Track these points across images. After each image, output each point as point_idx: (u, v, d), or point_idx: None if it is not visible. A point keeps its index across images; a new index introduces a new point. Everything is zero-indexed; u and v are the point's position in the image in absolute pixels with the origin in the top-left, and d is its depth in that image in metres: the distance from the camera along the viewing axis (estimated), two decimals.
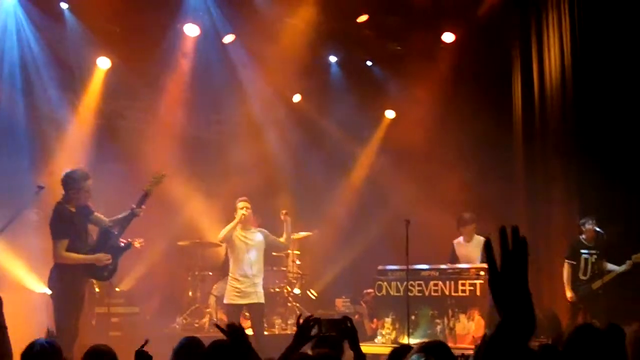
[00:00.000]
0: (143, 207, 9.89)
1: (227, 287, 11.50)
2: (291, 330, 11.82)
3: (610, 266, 12.47)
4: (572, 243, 12.87)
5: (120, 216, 9.87)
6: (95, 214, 9.77)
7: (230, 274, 11.47)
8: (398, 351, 5.18)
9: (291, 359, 4.63)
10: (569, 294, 12.59)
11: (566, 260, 12.74)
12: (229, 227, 11.38)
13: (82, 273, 9.46)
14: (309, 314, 5.17)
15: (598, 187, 13.40)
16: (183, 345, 5.21)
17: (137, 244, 10.46)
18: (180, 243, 13.75)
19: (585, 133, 14.01)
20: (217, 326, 4.91)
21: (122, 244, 9.83)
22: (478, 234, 12.80)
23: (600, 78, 13.92)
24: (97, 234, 9.75)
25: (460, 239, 12.95)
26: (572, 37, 14.32)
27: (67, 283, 9.17)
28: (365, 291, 13.96)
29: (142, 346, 4.69)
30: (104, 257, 9.54)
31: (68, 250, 9.32)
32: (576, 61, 14.28)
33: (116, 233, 9.76)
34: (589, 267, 12.54)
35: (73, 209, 9.48)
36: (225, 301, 11.50)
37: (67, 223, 9.39)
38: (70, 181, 9.48)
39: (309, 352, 5.19)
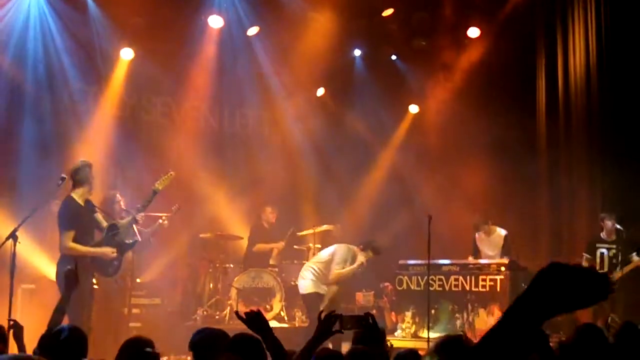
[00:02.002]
0: (143, 214, 10.04)
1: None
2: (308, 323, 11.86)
3: (635, 258, 12.31)
4: (591, 238, 12.82)
5: (123, 221, 9.98)
6: (98, 214, 9.88)
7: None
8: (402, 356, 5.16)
9: (316, 354, 4.63)
10: None
11: (583, 254, 12.68)
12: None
13: (88, 267, 9.49)
14: (332, 309, 5.13)
15: (622, 186, 13.32)
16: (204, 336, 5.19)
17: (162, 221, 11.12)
18: (202, 235, 13.78)
19: (609, 130, 13.92)
20: (237, 314, 4.92)
21: (128, 242, 9.94)
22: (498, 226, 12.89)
23: (625, 75, 13.82)
24: (105, 229, 9.83)
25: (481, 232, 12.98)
26: (598, 33, 14.21)
27: None
28: (382, 285, 13.96)
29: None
30: (109, 251, 9.63)
31: (74, 242, 9.43)
32: (601, 58, 14.18)
33: (121, 229, 9.85)
34: (606, 261, 12.43)
35: (82, 203, 9.60)
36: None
37: (75, 215, 9.50)
38: (74, 173, 9.63)
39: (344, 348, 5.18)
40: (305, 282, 11.66)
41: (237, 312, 5.03)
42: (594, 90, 14.23)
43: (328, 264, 11.58)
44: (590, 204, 14.07)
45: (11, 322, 6.22)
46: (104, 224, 9.85)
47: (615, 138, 13.81)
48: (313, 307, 11.59)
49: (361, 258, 11.57)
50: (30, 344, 5.96)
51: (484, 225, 12.75)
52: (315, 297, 11.61)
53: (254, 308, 4.85)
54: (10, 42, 12.44)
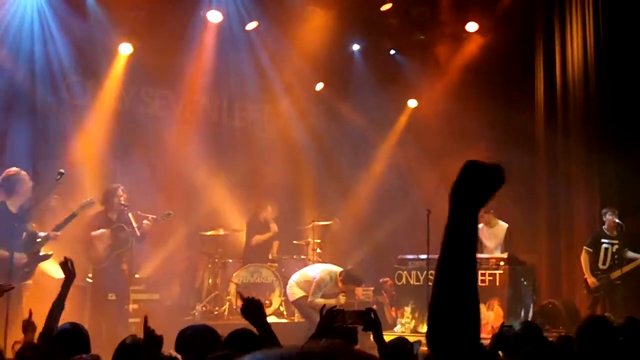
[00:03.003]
0: (59, 233, 10.02)
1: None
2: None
3: (632, 255, 12.35)
4: (594, 232, 12.82)
5: (42, 234, 9.98)
6: (32, 224, 9.95)
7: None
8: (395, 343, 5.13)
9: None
10: (590, 280, 12.47)
11: (584, 247, 12.65)
12: None
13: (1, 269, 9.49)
14: (333, 305, 5.11)
15: (619, 178, 13.34)
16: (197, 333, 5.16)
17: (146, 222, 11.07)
18: (202, 233, 13.71)
19: (607, 124, 13.92)
20: (239, 293, 4.91)
21: (41, 254, 9.97)
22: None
23: (623, 69, 13.83)
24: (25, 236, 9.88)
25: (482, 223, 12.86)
26: (595, 27, 14.21)
27: None
28: (381, 280, 13.94)
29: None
30: (18, 257, 9.57)
31: None
32: (599, 52, 14.19)
33: (39, 240, 9.90)
34: (609, 256, 12.42)
35: (14, 210, 9.70)
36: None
37: (1, 219, 9.54)
38: (1, 181, 9.76)
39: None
40: (292, 290, 12.29)
41: (238, 291, 5.03)
42: (592, 83, 14.24)
43: (310, 283, 12.10)
44: (588, 197, 14.06)
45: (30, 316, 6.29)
46: (37, 235, 9.92)
47: (613, 132, 13.81)
48: (306, 309, 11.78)
49: (341, 298, 12.08)
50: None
51: (486, 215, 12.60)
52: (305, 299, 11.89)
53: (256, 298, 4.82)
54: (8, 36, 12.38)
